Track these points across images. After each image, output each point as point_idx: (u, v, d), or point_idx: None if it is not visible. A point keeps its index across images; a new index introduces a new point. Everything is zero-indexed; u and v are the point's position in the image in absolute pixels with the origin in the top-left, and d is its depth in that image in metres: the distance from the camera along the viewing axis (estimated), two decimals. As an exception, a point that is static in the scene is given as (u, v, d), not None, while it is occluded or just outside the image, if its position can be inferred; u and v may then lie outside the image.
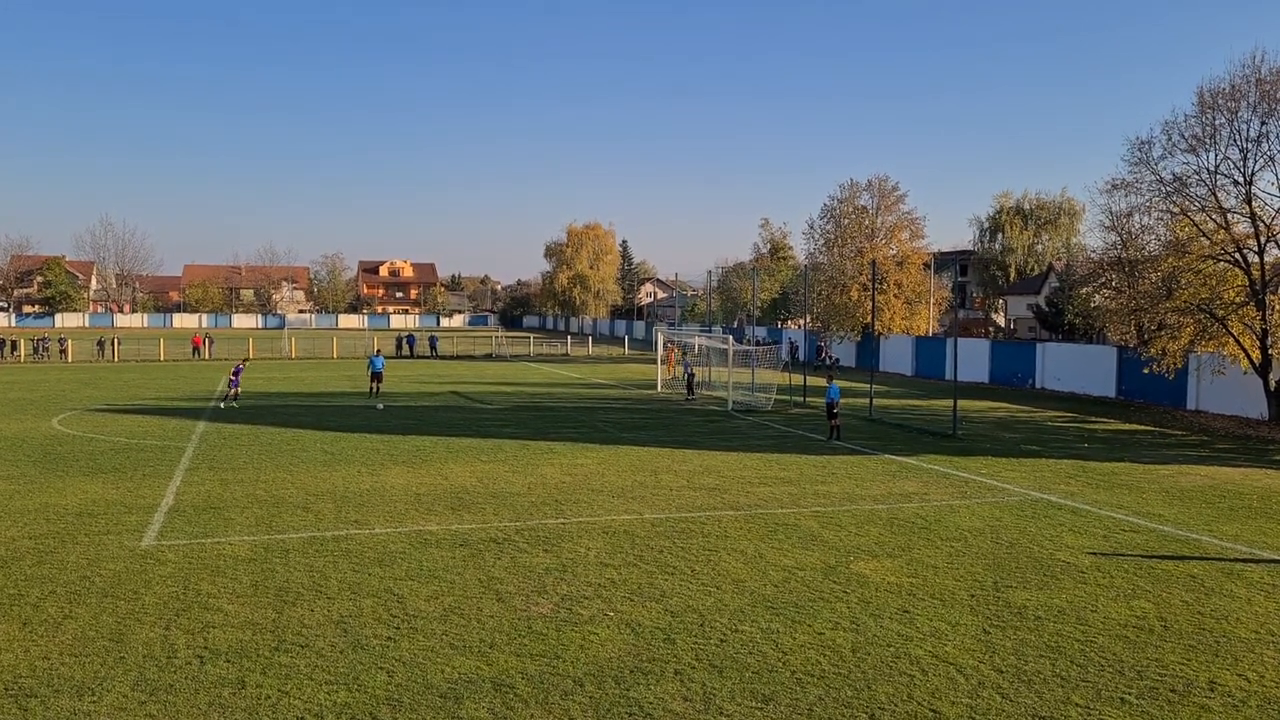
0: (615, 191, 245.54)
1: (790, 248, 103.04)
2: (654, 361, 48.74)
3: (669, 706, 9.04)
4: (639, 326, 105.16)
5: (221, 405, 34.12)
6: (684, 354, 48.51)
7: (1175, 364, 33.17)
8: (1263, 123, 31.56)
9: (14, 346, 60.69)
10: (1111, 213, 39.76)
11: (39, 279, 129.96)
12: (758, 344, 46.95)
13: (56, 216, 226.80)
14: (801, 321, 64.19)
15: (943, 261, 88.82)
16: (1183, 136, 33.36)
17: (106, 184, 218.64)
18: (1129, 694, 9.47)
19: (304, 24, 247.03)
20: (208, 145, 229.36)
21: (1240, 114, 31.93)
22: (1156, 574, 13.70)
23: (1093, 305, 54.01)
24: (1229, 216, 32.74)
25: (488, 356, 68.23)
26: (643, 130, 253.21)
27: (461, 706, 9.00)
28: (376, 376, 38.36)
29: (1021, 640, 10.94)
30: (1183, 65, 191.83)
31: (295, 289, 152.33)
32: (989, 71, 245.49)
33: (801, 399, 36.89)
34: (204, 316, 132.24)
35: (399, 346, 68.00)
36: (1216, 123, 32.50)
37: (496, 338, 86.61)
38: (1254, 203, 32.19)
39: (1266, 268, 31.67)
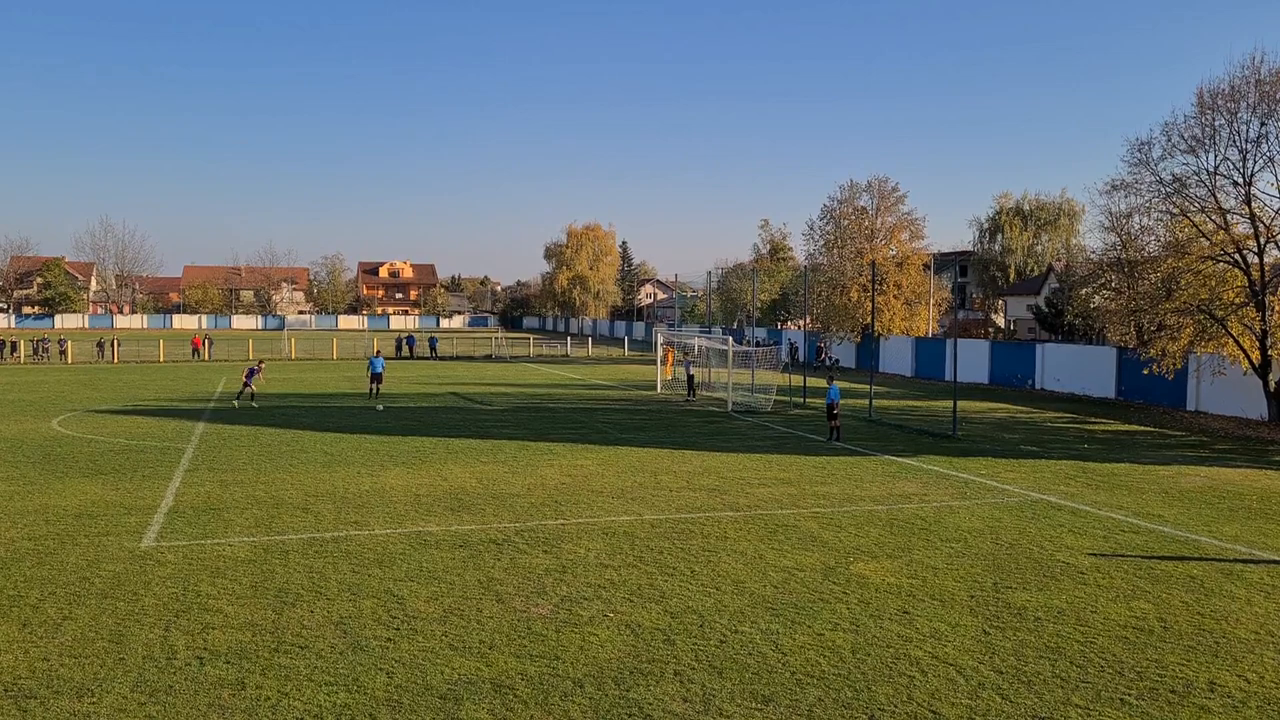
0: (615, 192, 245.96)
1: (790, 249, 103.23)
2: (654, 362, 48.74)
3: (669, 707, 9.04)
4: (639, 327, 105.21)
5: (236, 404, 34.27)
6: (684, 355, 48.49)
7: (1175, 365, 33.16)
8: (1262, 123, 31.56)
9: (14, 347, 60.68)
10: (1111, 213, 39.87)
11: (39, 280, 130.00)
12: (757, 345, 46.96)
13: (56, 217, 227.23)
14: (801, 322, 64.20)
15: (942, 262, 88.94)
16: (1182, 137, 33.38)
17: (106, 185, 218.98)
18: (1129, 695, 9.47)
19: (304, 24, 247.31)
20: (208, 146, 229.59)
21: (1240, 115, 31.94)
22: (1156, 575, 13.70)
23: (1092, 306, 54.01)
24: (1228, 217, 32.73)
25: (487, 357, 68.23)
26: (643, 131, 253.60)
27: (461, 708, 9.00)
28: (376, 378, 38.37)
29: (1021, 641, 10.94)
30: (1182, 66, 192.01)
31: (295, 290, 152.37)
32: (989, 72, 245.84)
33: (801, 400, 36.88)
34: (204, 318, 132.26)
35: (399, 347, 68.00)
36: (1216, 124, 32.51)
37: (496, 339, 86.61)
38: (1253, 203, 32.19)
39: (1266, 269, 31.66)
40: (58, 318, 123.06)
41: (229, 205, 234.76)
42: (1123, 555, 14.80)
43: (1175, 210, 34.33)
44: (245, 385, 35.09)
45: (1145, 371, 35.13)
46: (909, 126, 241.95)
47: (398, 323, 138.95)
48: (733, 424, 31.14)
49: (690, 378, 39.51)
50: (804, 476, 21.30)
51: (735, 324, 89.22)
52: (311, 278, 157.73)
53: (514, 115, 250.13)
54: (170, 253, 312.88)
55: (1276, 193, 32.16)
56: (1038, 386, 44.86)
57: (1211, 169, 32.80)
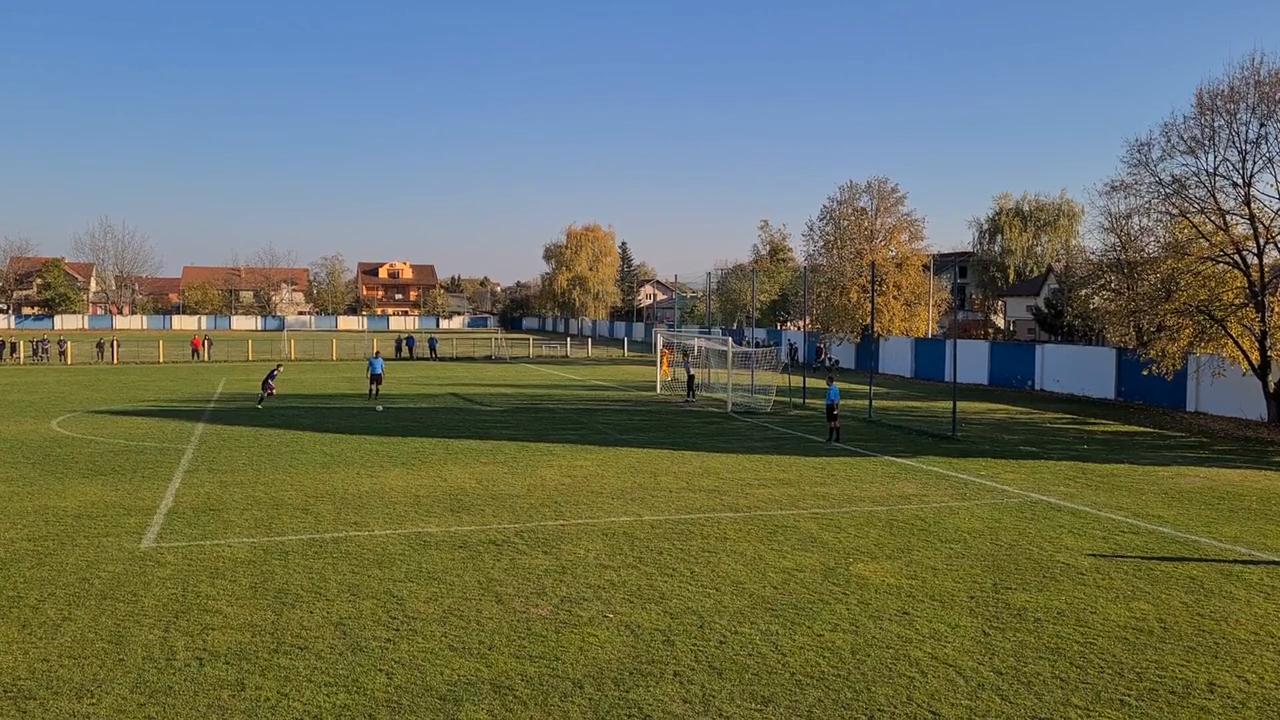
0: (615, 193, 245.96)
1: (789, 249, 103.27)
2: (653, 363, 48.74)
3: (668, 708, 9.04)
4: (639, 328, 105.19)
5: (260, 406, 34.16)
6: (684, 355, 48.47)
7: (1174, 366, 33.16)
8: (1262, 124, 31.57)
9: (13, 348, 60.67)
10: (1110, 214, 39.89)
11: (38, 281, 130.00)
12: (757, 346, 46.96)
13: (56, 218, 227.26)
14: (801, 323, 64.21)
15: (942, 263, 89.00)
16: (1182, 138, 33.40)
17: (106, 185, 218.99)
18: (1128, 696, 9.47)
19: (304, 24, 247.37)
20: (208, 147, 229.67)
21: (1239, 116, 31.95)
22: (1156, 575, 13.70)
23: (1092, 307, 54.04)
24: (1228, 218, 32.73)
25: (487, 358, 68.24)
26: (643, 131, 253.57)
27: (461, 709, 9.00)
28: (376, 378, 38.40)
29: (1021, 642, 10.94)
30: (1182, 66, 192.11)
31: (295, 291, 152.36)
32: (988, 73, 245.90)
33: (801, 401, 36.88)
34: (203, 318, 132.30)
35: (398, 348, 68.03)
36: (1215, 125, 32.52)
37: (496, 339, 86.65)
38: (1253, 204, 32.19)
39: (1265, 269, 31.67)
40: (57, 318, 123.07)
41: (229, 206, 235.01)
42: (1122, 556, 14.80)
43: (1175, 211, 34.34)
44: (267, 389, 34.84)
45: (1145, 372, 35.14)
46: (909, 126, 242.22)
47: (397, 323, 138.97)
48: (732, 425, 31.14)
49: (690, 379, 39.50)
50: (803, 477, 21.30)
51: (735, 325, 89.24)
52: (311, 278, 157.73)
53: (514, 115, 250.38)
54: (170, 253, 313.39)
55: (1276, 194, 32.18)
56: (1037, 387, 44.86)
57: (1211, 170, 32.83)
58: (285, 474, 20.99)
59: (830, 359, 59.58)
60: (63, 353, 60.51)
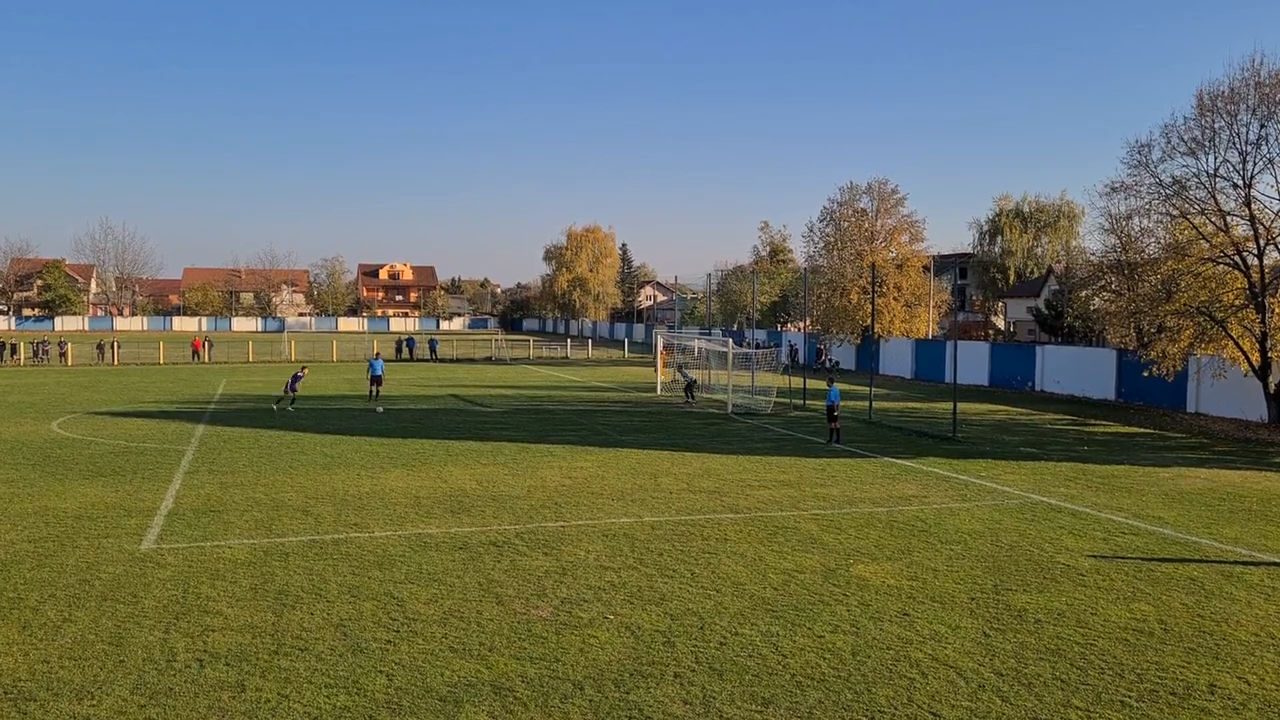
0: (615, 194, 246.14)
1: (790, 251, 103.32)
2: (653, 365, 48.73)
3: (669, 709, 9.03)
4: (639, 329, 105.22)
5: (275, 407, 34.02)
6: (673, 356, 48.27)
7: (1175, 367, 33.15)
8: (1262, 125, 31.58)
9: (14, 350, 60.68)
10: (1111, 215, 39.89)
11: (39, 282, 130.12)
12: (757, 347, 46.95)
13: (56, 220, 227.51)
14: (801, 324, 64.21)
15: (942, 264, 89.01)
16: (1182, 139, 33.39)
17: (106, 186, 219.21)
18: (1129, 697, 9.46)
19: (304, 24, 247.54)
20: (208, 148, 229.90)
21: (1239, 117, 31.94)
22: (1156, 577, 13.69)
23: (1092, 308, 54.09)
24: (1228, 219, 32.73)
25: (487, 359, 68.25)
26: (643, 131, 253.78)
27: (461, 710, 8.99)
28: (376, 380, 38.40)
29: (1021, 643, 10.93)
30: (1182, 67, 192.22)
31: (295, 292, 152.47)
32: (988, 74, 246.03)
33: (801, 402, 36.87)
34: (204, 320, 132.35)
35: (399, 349, 68.01)
36: (1216, 126, 32.52)
37: (496, 341, 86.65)
38: (1253, 205, 32.19)
39: (1266, 270, 31.67)
40: (58, 320, 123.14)
41: (229, 206, 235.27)
42: (1123, 557, 14.80)
43: (1175, 212, 34.32)
44: (291, 391, 34.59)
45: (1145, 373, 35.13)
46: (909, 126, 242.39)
47: (398, 325, 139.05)
48: (732, 426, 31.13)
49: (693, 382, 39.36)
50: (804, 478, 21.30)
51: (735, 326, 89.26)
52: (311, 280, 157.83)
53: (514, 115, 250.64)
54: (170, 255, 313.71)
55: (1276, 195, 32.19)
56: (1037, 388, 44.86)
57: (1211, 171, 32.83)
58: (285, 475, 20.99)
59: (830, 360, 59.56)
60: (63, 354, 60.52)
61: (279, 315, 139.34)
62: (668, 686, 9.58)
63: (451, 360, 66.67)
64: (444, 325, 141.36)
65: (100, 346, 63.52)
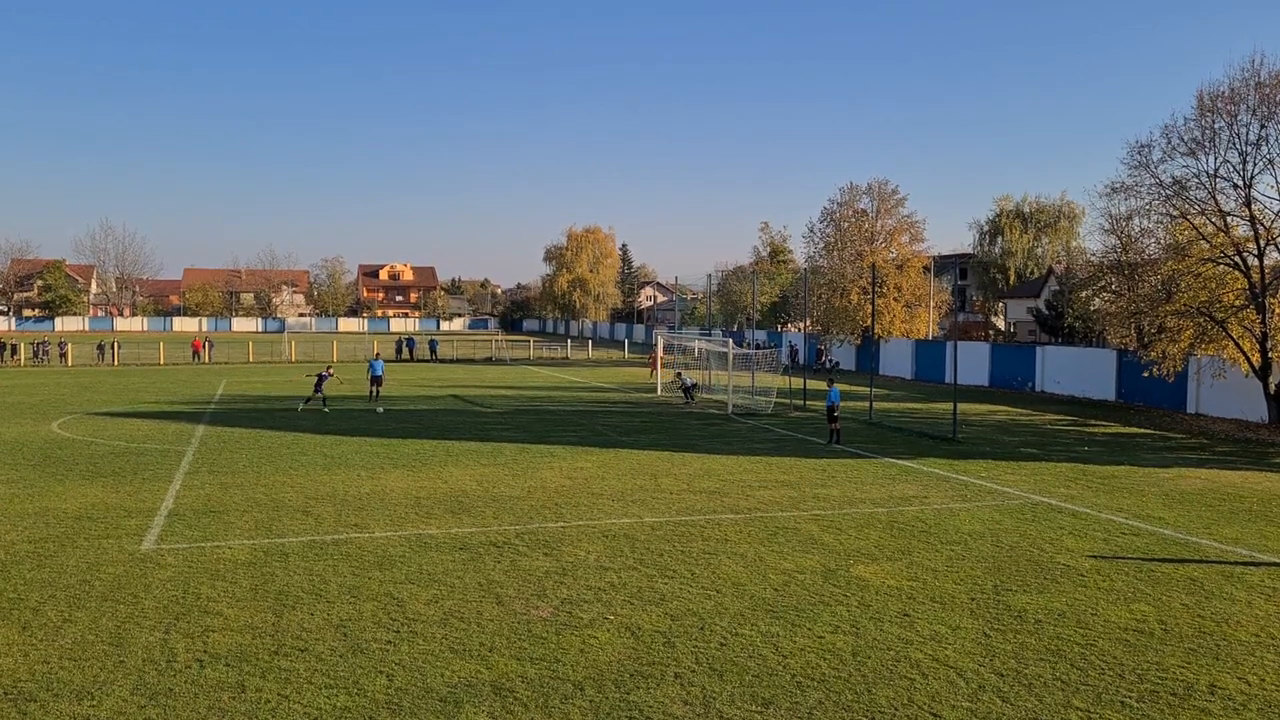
0: (615, 194, 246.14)
1: (790, 251, 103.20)
2: (649, 365, 48.72)
3: (669, 710, 9.03)
4: (639, 330, 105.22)
5: (300, 408, 33.90)
6: (662, 356, 48.08)
7: (1175, 367, 33.16)
8: (1262, 126, 31.57)
9: (14, 350, 60.69)
10: (1111, 216, 39.87)
11: (39, 283, 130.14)
12: (757, 347, 46.95)
13: (57, 220, 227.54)
14: (801, 325, 64.19)
15: (942, 265, 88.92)
16: (1182, 140, 33.38)
17: (106, 187, 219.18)
18: (1129, 697, 9.46)
19: (304, 24, 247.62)
20: (208, 148, 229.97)
21: (1240, 117, 31.94)
22: (1156, 577, 13.69)
23: (1092, 308, 54.05)
24: (1228, 220, 32.73)
25: (487, 360, 68.24)
26: (643, 131, 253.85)
27: (461, 710, 8.99)
28: (376, 380, 38.39)
29: (1022, 644, 10.93)
30: (1182, 67, 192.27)
31: (295, 292, 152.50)
32: (989, 74, 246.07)
33: (801, 402, 36.87)
34: (204, 320, 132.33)
35: (399, 350, 68.01)
36: (1216, 126, 32.52)
37: (496, 341, 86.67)
38: (1253, 206, 32.19)
39: (1266, 271, 31.67)
40: (58, 320, 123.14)
41: (229, 207, 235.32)
42: (1123, 557, 14.79)
43: (1175, 213, 34.32)
44: (317, 391, 34.42)
45: (1145, 374, 35.13)
46: (909, 126, 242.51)
47: (398, 325, 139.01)
48: (733, 426, 31.13)
49: (693, 385, 39.26)
50: (804, 479, 21.29)
51: (735, 326, 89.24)
52: (311, 280, 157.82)
53: (513, 115, 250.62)
54: (170, 255, 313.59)
55: (1276, 195, 32.18)
56: (1038, 389, 44.85)
57: (1211, 171, 32.82)
58: (286, 476, 20.99)
59: (831, 361, 59.57)
60: (63, 354, 60.53)
61: (279, 316, 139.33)
62: (668, 687, 9.57)
63: (452, 361, 66.67)
64: (444, 326, 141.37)
65: (100, 347, 63.53)
